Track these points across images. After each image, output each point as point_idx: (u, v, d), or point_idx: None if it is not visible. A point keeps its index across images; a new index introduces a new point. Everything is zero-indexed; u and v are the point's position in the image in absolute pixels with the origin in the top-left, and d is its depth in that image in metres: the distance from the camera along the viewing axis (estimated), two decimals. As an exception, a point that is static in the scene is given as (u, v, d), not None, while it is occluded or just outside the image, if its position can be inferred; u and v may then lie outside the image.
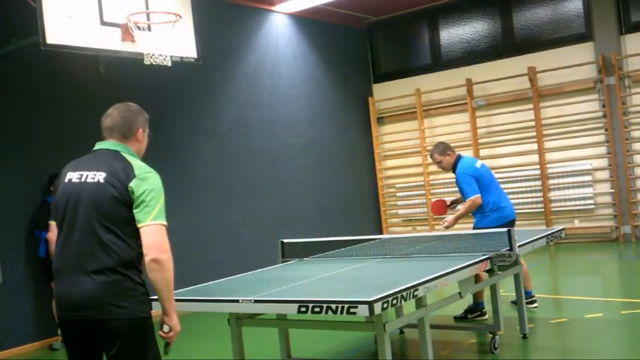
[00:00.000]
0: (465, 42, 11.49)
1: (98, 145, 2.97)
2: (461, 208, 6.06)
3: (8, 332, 6.63)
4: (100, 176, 2.78)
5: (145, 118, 3.08)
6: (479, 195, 5.88)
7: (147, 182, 2.75)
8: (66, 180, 2.88)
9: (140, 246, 2.72)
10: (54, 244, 3.00)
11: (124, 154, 2.87)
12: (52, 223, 2.61)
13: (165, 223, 2.76)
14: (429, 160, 11.50)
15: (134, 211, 2.71)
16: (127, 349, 2.71)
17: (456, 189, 6.25)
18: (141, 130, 3.01)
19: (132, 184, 2.72)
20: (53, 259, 2.89)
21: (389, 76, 12.19)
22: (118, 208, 2.72)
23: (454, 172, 6.07)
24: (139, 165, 2.83)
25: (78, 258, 2.73)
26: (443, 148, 6.10)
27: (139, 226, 2.70)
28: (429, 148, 11.63)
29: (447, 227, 6.05)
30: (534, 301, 6.28)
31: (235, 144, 9.40)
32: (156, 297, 2.78)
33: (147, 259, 2.67)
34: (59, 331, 3.04)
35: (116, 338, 2.70)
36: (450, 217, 6.01)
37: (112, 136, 2.96)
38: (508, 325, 5.33)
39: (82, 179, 2.82)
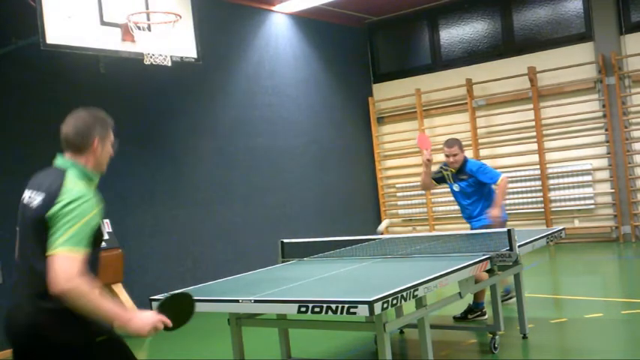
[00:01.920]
0: (465, 42, 11.49)
1: (56, 159, 2.77)
2: (497, 194, 6.02)
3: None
4: (36, 201, 2.60)
5: (105, 125, 2.77)
6: (504, 175, 6.06)
7: (65, 207, 2.47)
8: (23, 197, 2.77)
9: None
10: None
11: (67, 173, 2.63)
12: None
13: (78, 250, 2.43)
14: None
15: (51, 231, 2.48)
16: None
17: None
18: (97, 139, 2.71)
19: (50, 211, 2.49)
20: None
21: (389, 76, 12.19)
22: (42, 236, 2.50)
23: (463, 167, 6.12)
24: (68, 188, 2.55)
25: (18, 283, 2.66)
26: (461, 144, 6.23)
27: (47, 254, 2.44)
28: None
29: (495, 218, 5.88)
30: (513, 297, 6.30)
31: (235, 144, 9.40)
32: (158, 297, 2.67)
33: (51, 292, 2.38)
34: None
35: None
36: (494, 211, 5.88)
37: (66, 149, 2.73)
38: (508, 325, 5.33)
39: (27, 201, 2.70)
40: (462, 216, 6.37)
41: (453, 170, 6.22)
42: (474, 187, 6.12)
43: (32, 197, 2.67)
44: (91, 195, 2.59)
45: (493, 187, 6.12)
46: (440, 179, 6.40)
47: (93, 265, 2.59)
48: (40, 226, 2.52)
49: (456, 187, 6.23)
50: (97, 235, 2.59)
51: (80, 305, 2.40)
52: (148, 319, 2.55)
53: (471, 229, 6.14)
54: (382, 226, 6.86)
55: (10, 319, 2.60)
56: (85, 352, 2.52)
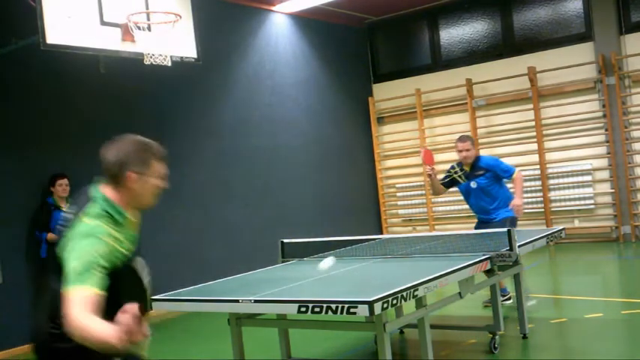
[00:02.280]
0: (465, 42, 11.49)
1: (95, 183, 2.53)
2: (517, 187, 6.16)
3: (8, 332, 6.62)
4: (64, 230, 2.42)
5: (147, 157, 2.46)
6: (518, 169, 6.26)
7: (71, 244, 2.29)
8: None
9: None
10: None
11: (88, 207, 2.39)
12: None
13: (81, 284, 2.20)
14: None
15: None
16: None
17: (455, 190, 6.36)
18: (131, 174, 2.41)
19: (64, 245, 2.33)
20: None
21: (389, 76, 12.19)
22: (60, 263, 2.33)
23: (477, 164, 6.21)
24: (83, 224, 2.34)
25: (38, 297, 2.55)
26: (474, 141, 6.37)
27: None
28: (429, 148, 11.62)
29: (519, 207, 6.04)
30: (510, 299, 6.39)
31: (235, 144, 9.40)
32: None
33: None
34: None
35: None
36: (517, 201, 6.04)
37: (104, 178, 2.48)
38: (508, 325, 5.34)
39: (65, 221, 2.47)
40: (476, 212, 6.39)
41: (467, 168, 6.27)
42: (491, 182, 6.23)
43: (67, 222, 2.44)
44: (101, 233, 2.33)
45: (505, 181, 6.29)
46: (449, 183, 6.44)
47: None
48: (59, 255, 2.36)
49: (473, 184, 6.27)
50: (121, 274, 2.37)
51: (82, 340, 2.17)
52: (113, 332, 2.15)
53: (484, 222, 6.17)
54: (325, 264, 6.26)
55: (32, 339, 2.46)
56: None
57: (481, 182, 6.23)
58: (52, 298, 2.34)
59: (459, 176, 6.35)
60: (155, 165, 2.48)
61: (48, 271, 2.46)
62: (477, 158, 6.31)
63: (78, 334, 2.15)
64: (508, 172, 6.22)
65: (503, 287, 6.37)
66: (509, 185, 6.55)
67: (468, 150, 6.21)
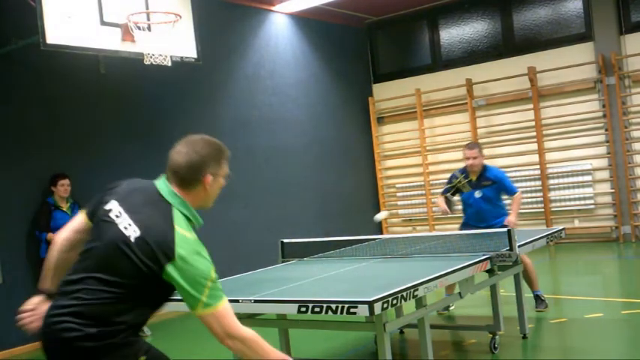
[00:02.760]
0: (465, 42, 11.49)
1: (160, 182, 2.46)
2: (514, 206, 6.21)
3: (8, 332, 6.61)
4: (132, 232, 2.32)
5: (219, 159, 2.49)
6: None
7: (189, 270, 2.27)
8: (108, 205, 2.42)
9: (135, 307, 2.33)
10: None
11: (174, 214, 2.36)
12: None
13: (220, 303, 2.30)
14: (429, 159, 11.59)
15: (179, 291, 2.31)
16: None
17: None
18: (209, 176, 2.45)
19: (169, 268, 2.27)
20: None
21: (389, 76, 12.18)
22: (127, 271, 2.29)
23: (484, 174, 6.19)
24: (182, 236, 2.31)
25: (69, 289, 2.37)
26: (482, 148, 6.33)
27: (196, 315, 2.31)
28: (429, 148, 11.66)
29: (514, 225, 6.00)
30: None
31: (235, 144, 9.39)
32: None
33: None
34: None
35: None
36: (513, 218, 6.08)
37: (173, 180, 2.44)
38: (508, 325, 5.33)
39: (116, 218, 2.37)
40: (472, 221, 6.29)
41: (473, 177, 6.23)
42: (495, 194, 6.21)
43: (125, 221, 2.36)
44: (202, 245, 2.38)
45: (504, 197, 6.32)
46: (453, 192, 6.41)
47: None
48: (139, 268, 2.28)
49: (478, 194, 6.21)
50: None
51: (247, 356, 2.37)
52: None
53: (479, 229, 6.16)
54: (380, 216, 6.86)
55: (49, 325, 2.36)
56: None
57: (487, 193, 6.18)
58: (78, 299, 2.30)
59: (463, 185, 6.28)
60: (225, 166, 2.54)
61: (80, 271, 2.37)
62: (485, 168, 6.23)
63: (248, 345, 2.35)
64: (512, 191, 6.23)
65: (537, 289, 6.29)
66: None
67: (475, 157, 6.14)
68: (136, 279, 2.29)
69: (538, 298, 6.23)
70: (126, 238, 2.31)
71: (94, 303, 2.29)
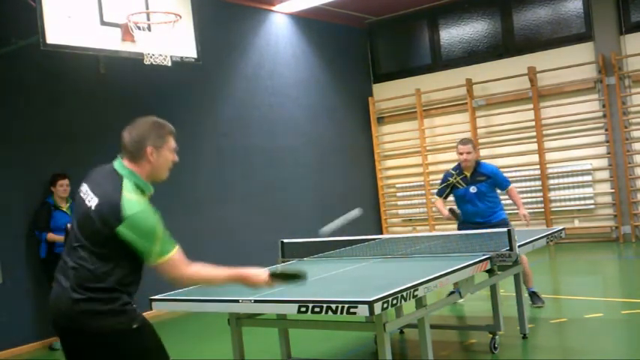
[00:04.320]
0: (465, 42, 11.49)
1: (116, 161, 2.82)
2: (517, 200, 6.42)
3: (8, 332, 6.63)
4: (93, 202, 2.70)
5: (161, 133, 2.80)
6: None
7: (135, 226, 2.61)
8: (81, 188, 2.84)
9: (116, 266, 2.69)
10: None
11: (124, 183, 2.70)
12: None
13: (172, 251, 2.69)
14: (429, 159, 11.59)
15: (135, 249, 2.65)
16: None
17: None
18: (150, 148, 2.75)
19: (120, 229, 2.61)
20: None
21: (389, 76, 12.19)
22: (97, 236, 2.66)
23: (477, 170, 6.25)
24: (128, 200, 2.64)
25: (64, 267, 2.76)
26: (474, 145, 6.42)
27: (150, 265, 2.69)
28: (429, 148, 11.66)
29: (528, 218, 6.31)
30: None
31: (235, 144, 9.40)
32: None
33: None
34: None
35: (94, 350, 2.71)
36: (524, 211, 6.30)
37: (124, 156, 2.79)
38: (508, 325, 5.33)
39: (84, 196, 2.78)
40: (469, 217, 6.27)
41: (467, 173, 6.25)
42: (490, 189, 6.26)
43: (89, 195, 2.75)
44: (148, 205, 2.72)
45: (499, 191, 6.40)
46: (448, 193, 6.43)
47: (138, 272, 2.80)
48: (101, 230, 2.65)
49: (473, 189, 6.23)
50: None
51: (204, 285, 2.83)
52: (259, 277, 2.93)
53: (478, 224, 6.13)
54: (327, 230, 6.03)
55: (53, 309, 2.77)
56: (122, 337, 2.70)
57: (482, 188, 6.21)
58: (83, 266, 2.67)
59: (458, 182, 6.31)
60: (169, 140, 2.84)
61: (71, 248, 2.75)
62: (478, 164, 6.30)
63: (202, 283, 2.83)
64: (506, 184, 6.34)
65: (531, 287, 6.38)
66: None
67: (469, 153, 6.18)
68: (103, 241, 2.65)
69: (534, 295, 6.30)
70: (88, 209, 2.70)
71: (84, 269, 2.66)
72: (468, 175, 6.25)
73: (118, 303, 2.68)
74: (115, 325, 2.66)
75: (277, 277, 2.93)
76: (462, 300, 6.44)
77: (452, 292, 5.17)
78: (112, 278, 2.67)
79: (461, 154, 6.21)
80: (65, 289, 2.69)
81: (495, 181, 6.27)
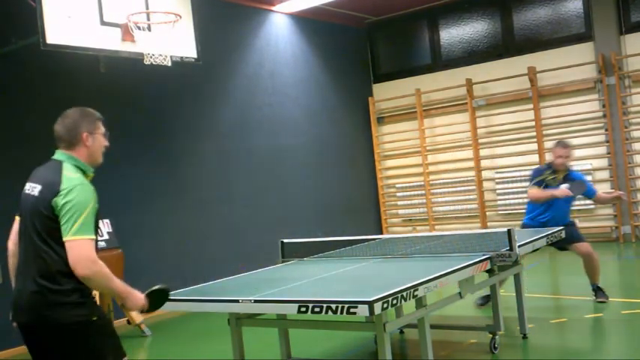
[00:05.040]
0: (465, 42, 11.49)
1: (55, 153, 3.02)
2: (606, 197, 6.83)
3: (8, 332, 6.61)
4: (36, 189, 2.87)
5: (92, 120, 3.02)
6: None
7: (69, 196, 2.75)
8: (25, 187, 2.99)
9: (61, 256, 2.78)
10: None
11: (64, 165, 2.89)
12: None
13: (90, 236, 2.76)
14: (429, 159, 11.59)
15: (60, 224, 2.75)
16: (71, 353, 2.81)
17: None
18: (85, 134, 2.97)
19: (55, 200, 2.76)
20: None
21: (389, 76, 12.18)
22: (45, 222, 2.78)
23: (569, 174, 6.33)
24: (68, 178, 2.82)
25: (22, 265, 2.89)
26: (572, 149, 6.49)
27: (63, 240, 2.74)
28: (429, 148, 11.66)
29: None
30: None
31: (235, 144, 9.40)
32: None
33: (76, 274, 2.73)
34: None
35: (55, 343, 2.80)
36: (618, 192, 6.69)
37: (60, 145, 2.99)
38: (508, 325, 5.33)
39: (28, 190, 2.93)
40: (548, 219, 6.27)
41: (559, 176, 6.28)
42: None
43: (33, 187, 2.90)
44: (88, 183, 2.87)
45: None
46: (541, 183, 6.41)
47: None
48: (44, 213, 2.77)
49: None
50: (97, 223, 2.88)
51: (98, 286, 2.81)
52: (141, 298, 3.00)
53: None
54: None
55: (16, 301, 2.87)
56: (82, 329, 2.79)
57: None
58: (42, 258, 2.78)
59: (551, 180, 6.31)
60: (99, 125, 3.04)
61: (31, 237, 2.86)
62: (570, 169, 6.40)
63: (98, 277, 2.73)
64: (593, 192, 6.47)
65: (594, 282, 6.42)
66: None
67: (567, 157, 6.27)
68: (50, 227, 2.76)
69: (598, 290, 6.31)
70: (33, 197, 2.86)
71: (42, 263, 2.77)
72: (560, 177, 6.29)
73: (73, 296, 2.77)
74: (75, 317, 2.77)
75: (148, 296, 3.03)
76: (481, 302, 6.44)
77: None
78: (67, 270, 2.74)
79: (559, 157, 6.26)
80: (25, 283, 2.81)
81: (585, 187, 6.32)
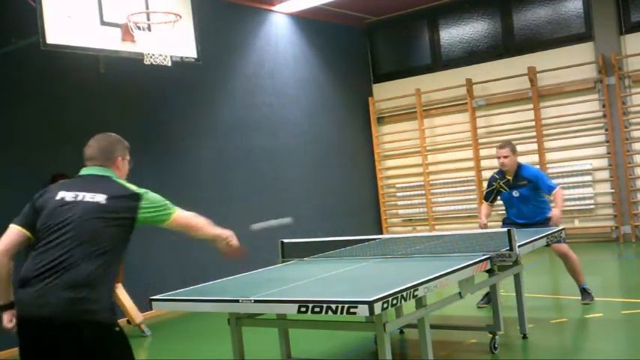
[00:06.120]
0: (465, 42, 11.49)
1: (85, 171, 3.16)
2: (558, 201, 6.31)
3: (8, 332, 6.61)
4: (98, 197, 2.96)
5: (124, 147, 3.26)
6: (560, 187, 6.36)
7: (152, 199, 3.09)
8: (57, 197, 2.99)
9: (106, 263, 2.90)
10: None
11: (114, 178, 3.12)
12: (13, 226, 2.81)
13: (176, 208, 3.21)
14: (429, 159, 11.59)
15: (152, 222, 3.08)
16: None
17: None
18: (120, 158, 3.21)
19: (142, 203, 3.02)
20: (26, 265, 3.03)
21: (389, 76, 12.19)
22: (105, 226, 2.91)
23: (519, 173, 6.26)
24: (131, 186, 3.10)
25: (50, 271, 2.88)
26: (514, 148, 6.37)
27: (166, 225, 3.16)
28: (429, 148, 11.66)
29: (558, 219, 6.23)
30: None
31: (235, 144, 9.40)
32: None
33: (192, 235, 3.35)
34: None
35: (76, 342, 2.87)
36: (557, 212, 6.22)
37: (89, 164, 3.18)
38: (508, 325, 5.33)
39: (79, 198, 2.97)
40: (514, 218, 6.34)
41: (509, 177, 6.28)
42: (532, 193, 6.26)
43: (87, 196, 2.97)
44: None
45: (546, 196, 6.38)
46: (494, 197, 6.46)
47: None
48: (113, 216, 2.93)
49: (515, 194, 6.28)
50: None
51: (197, 234, 3.45)
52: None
53: (522, 226, 6.16)
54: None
55: (33, 306, 2.95)
56: (106, 335, 2.84)
57: (523, 192, 6.24)
58: (78, 265, 2.82)
59: (501, 186, 6.35)
60: (127, 154, 3.29)
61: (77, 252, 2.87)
62: (520, 167, 6.30)
63: (202, 230, 3.54)
64: (550, 189, 6.28)
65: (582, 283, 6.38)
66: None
67: (506, 157, 6.21)
68: (112, 235, 2.91)
69: (584, 291, 6.32)
70: (96, 204, 2.93)
71: (77, 269, 2.81)
72: (511, 179, 6.27)
73: (110, 300, 2.89)
74: (105, 319, 2.84)
75: None
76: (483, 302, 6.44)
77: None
78: (107, 275, 2.88)
79: (498, 158, 6.23)
80: (53, 287, 2.82)
81: (538, 185, 6.23)
